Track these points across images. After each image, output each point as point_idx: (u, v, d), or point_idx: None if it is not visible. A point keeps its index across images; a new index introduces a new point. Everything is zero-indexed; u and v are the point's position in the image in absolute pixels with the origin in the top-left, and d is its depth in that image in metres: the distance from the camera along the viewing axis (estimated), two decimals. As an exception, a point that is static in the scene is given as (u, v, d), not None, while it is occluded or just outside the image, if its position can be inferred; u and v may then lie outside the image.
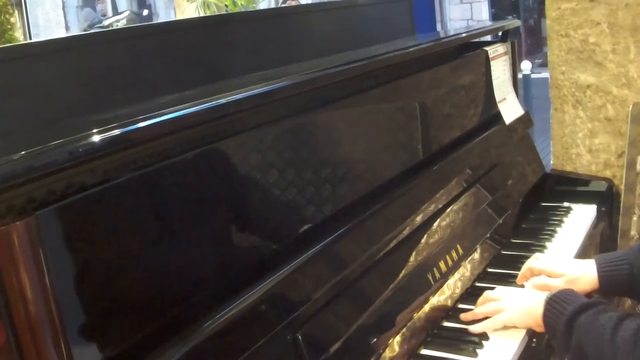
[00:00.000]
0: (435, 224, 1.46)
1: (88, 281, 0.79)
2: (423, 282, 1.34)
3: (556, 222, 1.83)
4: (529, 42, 11.37)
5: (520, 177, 1.94)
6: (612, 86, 2.00)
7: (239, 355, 0.92)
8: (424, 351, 1.24)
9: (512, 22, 2.07)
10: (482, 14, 11.65)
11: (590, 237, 1.82)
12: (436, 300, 1.35)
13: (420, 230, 1.41)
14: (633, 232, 1.98)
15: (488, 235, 1.63)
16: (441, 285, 1.38)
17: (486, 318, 1.29)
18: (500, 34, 2.06)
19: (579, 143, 2.10)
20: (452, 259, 1.44)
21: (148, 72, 1.26)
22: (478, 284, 1.48)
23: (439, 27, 11.58)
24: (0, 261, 0.71)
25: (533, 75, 6.16)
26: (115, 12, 14.64)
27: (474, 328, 1.27)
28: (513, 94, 2.04)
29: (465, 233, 1.55)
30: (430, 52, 1.63)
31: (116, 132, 0.81)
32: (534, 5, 11.84)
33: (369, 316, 1.17)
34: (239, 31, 1.50)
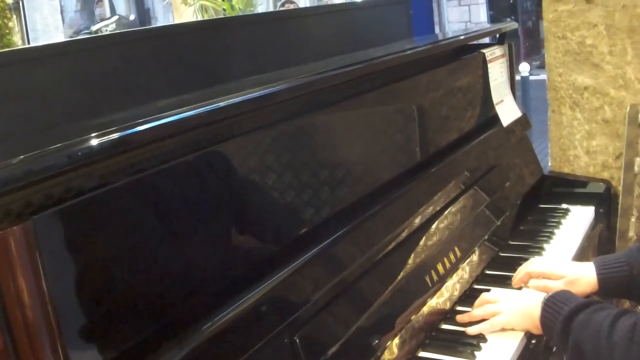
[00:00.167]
0: (433, 226, 1.46)
1: (85, 286, 0.79)
2: (421, 285, 1.34)
3: (554, 224, 1.83)
4: (527, 44, 11.38)
5: (518, 179, 1.94)
6: (610, 88, 2.00)
7: (237, 358, 0.92)
8: (422, 353, 1.24)
9: (509, 25, 2.07)
10: (480, 16, 11.68)
11: (588, 238, 1.82)
12: (434, 302, 1.35)
13: (418, 232, 1.41)
14: (631, 234, 1.98)
15: (486, 237, 1.63)
16: (439, 288, 1.38)
17: (483, 320, 1.29)
18: (497, 36, 2.07)
19: (577, 145, 2.11)
20: (450, 261, 1.44)
21: (146, 76, 1.26)
22: (476, 286, 1.48)
23: (437, 29, 11.60)
24: (-2, 266, 0.71)
25: (531, 77, 6.17)
26: (116, 14, 14.64)
27: (471, 330, 1.28)
28: (510, 96, 2.05)
29: (463, 235, 1.55)
30: (427, 55, 1.64)
31: (115, 135, 0.82)
32: (532, 8, 11.85)
33: (367, 318, 1.17)
34: (236, 35, 1.50)
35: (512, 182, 1.88)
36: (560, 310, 1.16)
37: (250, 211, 1.08)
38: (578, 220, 1.86)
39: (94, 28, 11.73)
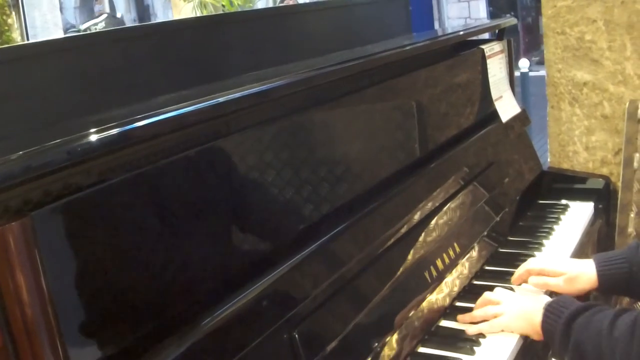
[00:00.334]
0: (433, 222, 1.46)
1: (84, 282, 0.79)
2: (420, 280, 1.34)
3: (553, 220, 1.83)
4: (527, 39, 11.38)
5: (517, 175, 1.94)
6: (609, 83, 2.00)
7: (235, 354, 0.93)
8: (421, 349, 1.24)
9: (508, 20, 2.07)
10: (480, 12, 11.67)
11: (587, 234, 1.82)
12: (434, 298, 1.35)
13: (417, 228, 1.41)
14: (630, 229, 1.99)
15: (485, 233, 1.63)
16: (439, 284, 1.38)
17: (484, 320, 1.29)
18: (497, 32, 2.06)
19: (576, 140, 2.11)
20: (449, 257, 1.44)
21: (145, 73, 1.26)
22: (475, 282, 1.49)
23: (436, 25, 11.59)
24: (-4, 262, 0.71)
25: (531, 73, 6.16)
26: (113, 12, 14.64)
27: (471, 330, 1.28)
28: (510, 92, 2.05)
29: (463, 231, 1.55)
30: (426, 51, 1.64)
31: (114, 131, 0.82)
32: (532, 3, 11.85)
33: (366, 314, 1.18)
34: (235, 31, 1.50)
35: (511, 178, 1.88)
36: (560, 314, 1.16)
37: (250, 207, 1.08)
38: (577, 216, 1.87)
39: (82, 27, 11.69)
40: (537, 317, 1.21)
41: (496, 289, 1.35)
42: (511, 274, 1.46)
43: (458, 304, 1.39)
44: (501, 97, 1.98)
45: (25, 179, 0.72)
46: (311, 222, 1.18)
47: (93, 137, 0.79)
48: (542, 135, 2.51)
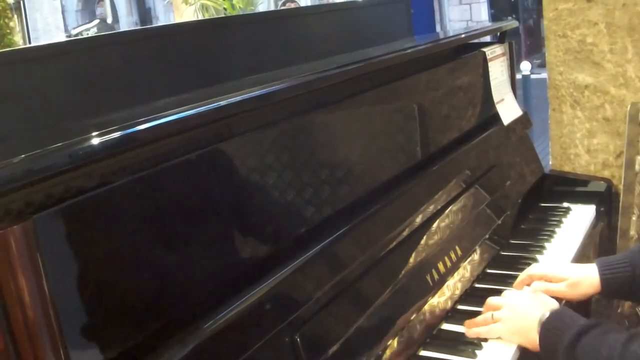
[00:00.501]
0: (434, 225, 1.46)
1: (86, 285, 0.79)
2: (422, 283, 1.34)
3: (555, 223, 1.83)
4: (528, 42, 11.39)
5: (518, 178, 1.94)
6: (610, 86, 2.00)
7: (237, 357, 0.93)
8: (423, 352, 1.24)
9: (510, 23, 2.07)
10: (482, 15, 11.68)
11: (589, 237, 1.82)
12: (435, 301, 1.35)
13: (419, 231, 1.41)
14: (632, 232, 1.98)
15: (487, 236, 1.63)
16: (440, 287, 1.38)
17: None
18: (498, 34, 2.06)
19: (578, 143, 2.11)
20: (451, 260, 1.44)
21: (147, 76, 1.26)
22: (477, 285, 1.48)
23: (438, 28, 11.60)
24: (-2, 265, 0.71)
25: (532, 76, 6.17)
26: (115, 15, 14.67)
27: (469, 333, 1.27)
28: (511, 95, 2.05)
29: (464, 234, 1.55)
30: (428, 54, 1.64)
31: (115, 135, 0.82)
32: (533, 6, 11.86)
33: (368, 317, 1.17)
34: (237, 34, 1.50)
35: (512, 181, 1.88)
36: (561, 335, 1.13)
37: (252, 210, 1.08)
38: (579, 218, 1.86)
39: (74, 32, 11.71)
40: (532, 332, 1.19)
41: (504, 292, 1.33)
42: (513, 276, 1.45)
43: (460, 307, 1.39)
44: (503, 99, 1.98)
45: (27, 182, 0.72)
46: (313, 225, 1.18)
47: (95, 140, 0.79)
48: (544, 137, 2.51)
